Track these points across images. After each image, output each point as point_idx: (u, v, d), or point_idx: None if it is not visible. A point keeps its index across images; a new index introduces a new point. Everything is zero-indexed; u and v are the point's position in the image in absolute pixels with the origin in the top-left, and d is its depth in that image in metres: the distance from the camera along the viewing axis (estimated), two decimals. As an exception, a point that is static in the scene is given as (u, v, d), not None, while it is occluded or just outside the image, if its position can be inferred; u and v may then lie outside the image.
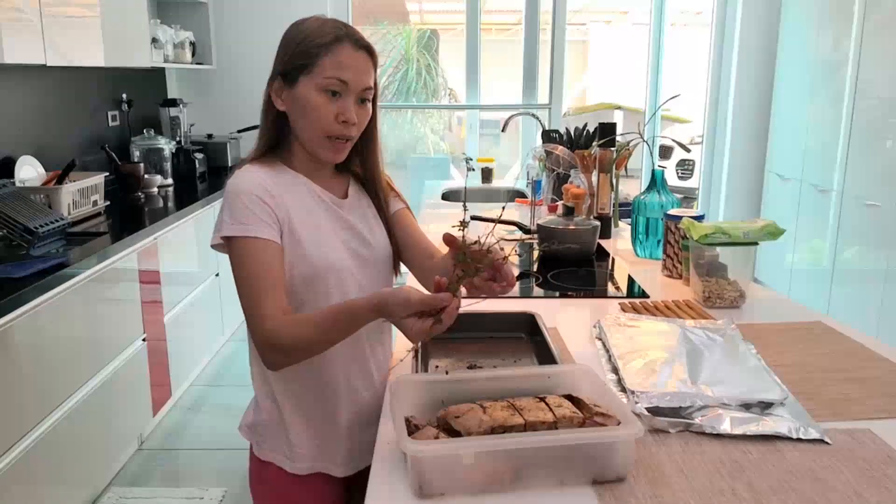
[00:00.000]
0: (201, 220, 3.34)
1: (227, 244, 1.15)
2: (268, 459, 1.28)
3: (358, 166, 1.32)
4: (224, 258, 1.17)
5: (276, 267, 1.13)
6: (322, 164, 1.25)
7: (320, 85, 1.16)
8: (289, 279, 1.17)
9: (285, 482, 1.28)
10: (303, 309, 1.19)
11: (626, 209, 2.33)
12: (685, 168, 6.62)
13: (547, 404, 1.02)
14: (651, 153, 2.51)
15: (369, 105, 1.22)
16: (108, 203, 3.03)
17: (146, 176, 3.46)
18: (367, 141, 1.28)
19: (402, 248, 1.35)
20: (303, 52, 1.16)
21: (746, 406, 1.13)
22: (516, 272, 2.08)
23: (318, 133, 1.19)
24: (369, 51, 1.20)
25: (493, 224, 1.27)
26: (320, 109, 1.16)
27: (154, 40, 3.60)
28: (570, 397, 1.05)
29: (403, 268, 1.39)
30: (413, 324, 1.04)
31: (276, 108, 1.21)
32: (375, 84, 1.22)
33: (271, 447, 1.28)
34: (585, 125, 3.11)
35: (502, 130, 3.47)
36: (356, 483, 1.30)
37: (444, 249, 1.18)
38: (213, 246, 1.17)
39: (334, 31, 1.17)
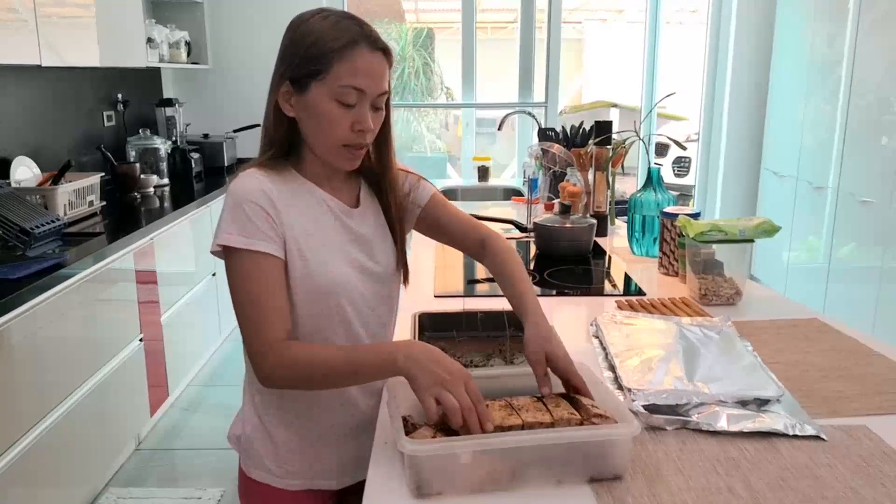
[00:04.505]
0: (198, 220, 3.33)
1: (226, 253, 1.08)
2: (254, 476, 1.23)
3: (372, 165, 1.22)
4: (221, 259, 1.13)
5: (279, 286, 1.08)
6: (336, 171, 1.17)
7: (335, 94, 1.06)
8: (292, 296, 1.11)
9: (274, 498, 1.22)
10: (306, 324, 1.13)
11: (623, 207, 2.34)
12: (681, 165, 6.63)
13: (545, 404, 1.02)
14: (647, 151, 2.51)
15: (383, 109, 1.14)
16: (104, 203, 3.03)
17: (142, 176, 3.45)
18: (380, 143, 1.19)
19: (448, 238, 1.31)
20: (314, 56, 1.06)
21: (743, 403, 1.13)
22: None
23: (333, 143, 1.10)
24: (385, 52, 1.09)
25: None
26: (335, 120, 1.08)
27: (149, 40, 3.59)
28: (567, 396, 1.05)
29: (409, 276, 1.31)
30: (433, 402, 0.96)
31: (284, 115, 1.12)
32: (389, 84, 1.12)
33: (257, 464, 1.22)
34: (581, 123, 3.11)
35: (498, 129, 3.47)
36: (350, 493, 1.25)
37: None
38: (212, 252, 1.10)
39: (348, 33, 1.06)
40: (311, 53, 1.06)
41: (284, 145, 1.15)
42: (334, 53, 1.05)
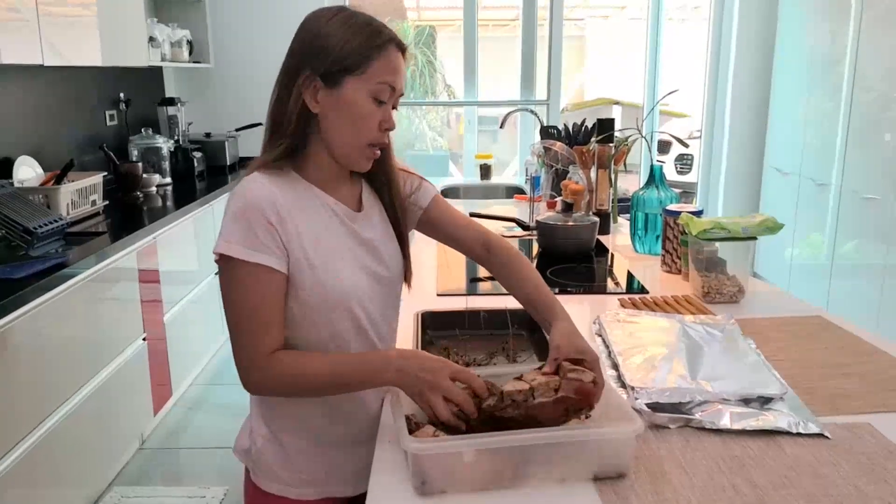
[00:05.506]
0: (200, 219, 3.34)
1: (224, 260, 1.05)
2: (268, 490, 1.20)
3: (374, 168, 1.19)
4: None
5: (276, 299, 1.06)
6: (340, 174, 1.16)
7: (371, 91, 1.07)
8: (301, 305, 1.09)
9: None
10: (320, 331, 1.11)
11: (625, 205, 2.33)
12: (684, 163, 6.63)
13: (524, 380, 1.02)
14: (649, 148, 2.51)
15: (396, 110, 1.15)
16: (106, 203, 3.03)
17: (144, 175, 3.45)
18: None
19: (449, 240, 1.30)
20: (352, 51, 1.06)
21: (746, 401, 1.13)
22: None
23: (361, 141, 1.10)
24: (404, 53, 1.12)
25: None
26: (367, 116, 1.08)
27: (151, 39, 3.59)
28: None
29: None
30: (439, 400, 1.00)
31: (307, 110, 1.08)
32: None
33: (270, 476, 1.19)
34: (584, 121, 3.11)
35: (500, 127, 3.47)
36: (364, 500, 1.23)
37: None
38: (215, 261, 1.07)
39: (383, 32, 1.08)
40: (348, 48, 1.06)
41: (297, 142, 1.11)
42: (374, 50, 1.07)
